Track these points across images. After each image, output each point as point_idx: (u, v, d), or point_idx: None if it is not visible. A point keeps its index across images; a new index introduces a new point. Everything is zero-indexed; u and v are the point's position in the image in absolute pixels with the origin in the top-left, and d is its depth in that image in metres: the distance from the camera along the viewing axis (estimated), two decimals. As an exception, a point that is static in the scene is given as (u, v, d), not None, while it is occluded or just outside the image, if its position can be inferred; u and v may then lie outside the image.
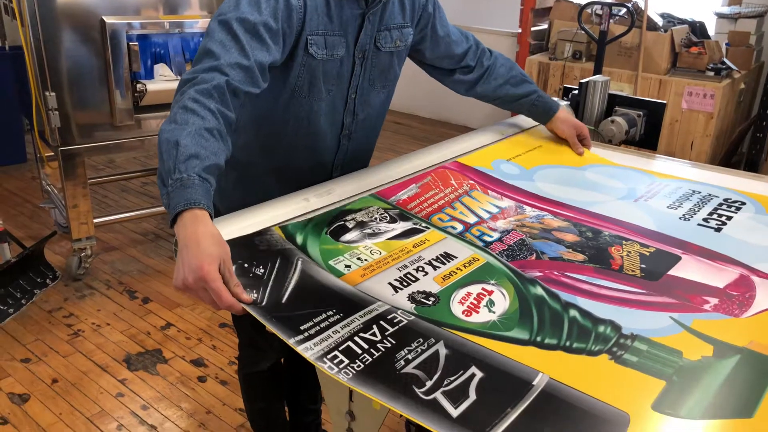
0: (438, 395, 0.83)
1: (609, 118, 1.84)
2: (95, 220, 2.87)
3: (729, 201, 1.45)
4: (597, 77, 1.88)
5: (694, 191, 1.50)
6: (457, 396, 0.84)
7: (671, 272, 1.17)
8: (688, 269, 1.18)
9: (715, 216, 1.38)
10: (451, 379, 0.87)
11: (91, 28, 2.56)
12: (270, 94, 1.30)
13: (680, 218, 1.37)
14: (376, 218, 1.26)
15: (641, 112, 1.86)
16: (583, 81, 1.87)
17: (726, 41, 4.06)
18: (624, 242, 1.26)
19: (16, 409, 2.09)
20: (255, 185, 1.41)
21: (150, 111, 2.77)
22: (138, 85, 2.69)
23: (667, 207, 1.41)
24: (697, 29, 4.08)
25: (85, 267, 2.87)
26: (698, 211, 1.40)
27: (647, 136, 1.89)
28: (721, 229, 1.33)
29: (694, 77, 3.81)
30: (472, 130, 1.81)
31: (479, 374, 0.88)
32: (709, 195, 1.48)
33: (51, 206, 3.10)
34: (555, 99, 1.72)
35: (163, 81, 2.77)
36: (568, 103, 1.89)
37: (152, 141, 2.86)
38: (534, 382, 0.88)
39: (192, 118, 1.03)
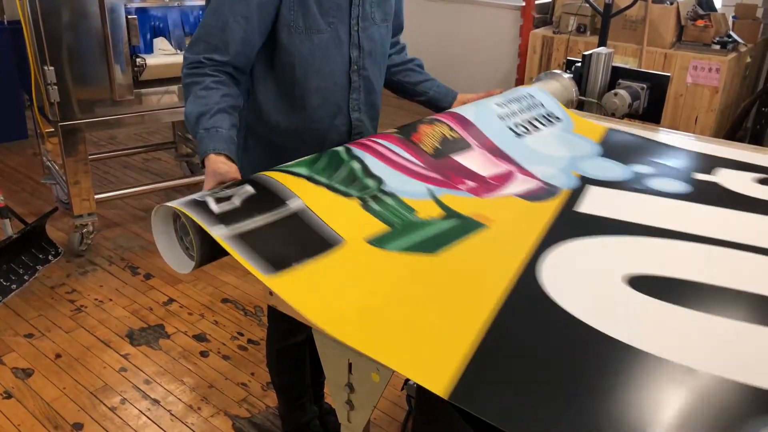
0: (208, 198, 1.06)
1: (612, 91, 1.82)
2: (97, 197, 2.86)
3: (551, 116, 1.62)
4: (600, 49, 1.85)
5: (527, 95, 1.64)
6: (223, 201, 1.05)
7: (454, 156, 1.36)
8: (470, 158, 1.37)
9: (527, 124, 1.55)
10: (226, 191, 1.09)
11: (89, 2, 2.53)
12: (271, 35, 1.34)
13: (498, 116, 1.52)
14: None
15: (645, 85, 1.84)
16: (586, 53, 1.84)
17: (733, 14, 4.00)
18: (437, 123, 1.43)
19: (20, 384, 2.11)
20: (282, 156, 1.41)
21: (150, 86, 2.75)
22: (137, 60, 2.67)
23: (495, 104, 1.55)
24: (704, 2, 4.01)
25: (87, 243, 2.87)
26: (516, 115, 1.55)
27: (651, 109, 1.87)
28: (522, 136, 1.50)
29: (699, 51, 3.76)
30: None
31: (251, 191, 1.09)
32: (538, 104, 1.63)
33: (52, 182, 3.10)
34: None
35: (162, 55, 2.74)
36: (571, 76, 1.87)
37: (153, 116, 2.84)
38: (288, 202, 1.09)
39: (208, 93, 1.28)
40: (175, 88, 2.80)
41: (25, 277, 2.57)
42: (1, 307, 2.47)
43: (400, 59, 1.65)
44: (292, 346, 1.67)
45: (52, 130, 2.76)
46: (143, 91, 2.75)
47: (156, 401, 2.05)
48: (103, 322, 2.43)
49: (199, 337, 2.36)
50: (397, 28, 1.59)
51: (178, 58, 2.75)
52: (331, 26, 1.36)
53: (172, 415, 1.99)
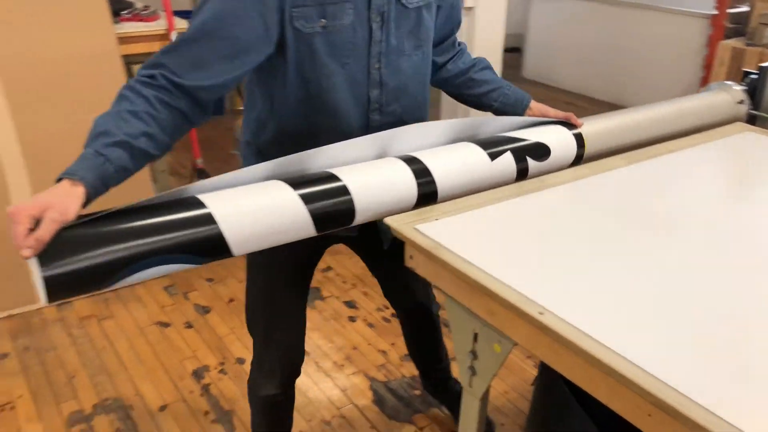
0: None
1: (789, 110, 1.74)
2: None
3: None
4: (782, 65, 1.77)
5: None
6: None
7: None
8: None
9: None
10: None
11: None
12: (277, 72, 1.21)
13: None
14: None
15: (829, 107, 1.74)
16: (763, 65, 1.78)
17: None
18: None
19: (199, 318, 2.47)
20: None
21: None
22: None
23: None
24: None
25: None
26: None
27: (833, 131, 1.76)
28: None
29: None
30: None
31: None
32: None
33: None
34: None
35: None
36: (744, 88, 1.81)
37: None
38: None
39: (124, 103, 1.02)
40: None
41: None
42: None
43: (456, 69, 1.45)
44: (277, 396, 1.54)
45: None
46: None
47: (306, 353, 2.30)
48: (270, 278, 2.76)
49: (349, 304, 2.59)
50: (449, 32, 1.42)
51: None
52: (345, 67, 1.20)
53: (318, 366, 2.23)
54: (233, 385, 2.13)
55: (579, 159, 1.47)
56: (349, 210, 1.12)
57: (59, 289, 0.85)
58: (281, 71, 1.20)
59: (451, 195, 1.26)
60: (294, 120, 1.24)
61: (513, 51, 5.88)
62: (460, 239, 1.09)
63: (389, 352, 2.32)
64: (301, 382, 2.13)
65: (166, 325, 2.43)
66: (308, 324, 2.44)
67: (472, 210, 1.22)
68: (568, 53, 5.54)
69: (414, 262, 1.15)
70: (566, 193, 1.31)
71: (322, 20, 1.14)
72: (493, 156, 1.31)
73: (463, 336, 1.15)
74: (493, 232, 1.15)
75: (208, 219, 0.98)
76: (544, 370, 1.36)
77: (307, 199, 1.07)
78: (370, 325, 2.46)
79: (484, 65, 1.47)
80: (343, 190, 1.11)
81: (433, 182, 1.22)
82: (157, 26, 2.79)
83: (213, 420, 1.99)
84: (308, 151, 1.12)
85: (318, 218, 1.08)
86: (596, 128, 1.51)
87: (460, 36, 1.48)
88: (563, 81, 5.65)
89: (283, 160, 1.10)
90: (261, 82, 1.25)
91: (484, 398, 1.21)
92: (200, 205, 0.99)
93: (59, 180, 0.91)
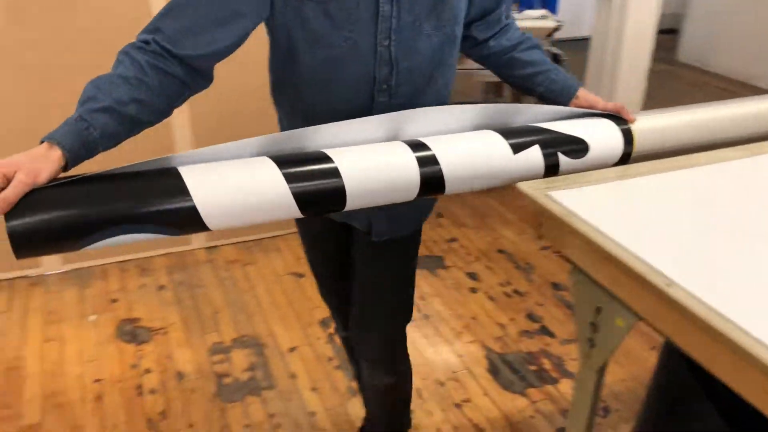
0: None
1: None
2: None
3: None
4: None
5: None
6: None
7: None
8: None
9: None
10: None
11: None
12: (272, 43, 1.16)
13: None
14: None
15: None
16: None
17: None
18: None
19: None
20: None
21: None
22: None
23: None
24: None
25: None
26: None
27: None
28: None
29: None
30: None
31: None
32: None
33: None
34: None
35: (526, 19, 3.01)
36: None
37: (467, 74, 3.15)
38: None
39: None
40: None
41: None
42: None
43: (499, 46, 1.31)
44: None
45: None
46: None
47: (426, 316, 2.39)
48: (398, 243, 2.86)
49: (472, 276, 2.64)
50: (494, 5, 1.27)
51: (538, 23, 3.00)
52: (347, 41, 1.09)
53: (437, 330, 2.31)
54: (356, 338, 2.26)
55: (626, 158, 1.31)
56: (338, 193, 1.04)
57: (24, 245, 0.86)
58: (273, 41, 1.15)
59: (461, 187, 1.16)
60: (291, 95, 1.19)
61: (668, 32, 5.54)
62: (592, 209, 1.10)
63: (508, 326, 2.35)
64: (418, 342, 2.23)
65: (300, 275, 2.62)
66: (429, 289, 2.54)
67: (607, 182, 1.22)
68: (732, 36, 5.13)
69: (544, 230, 1.18)
70: (712, 174, 1.27)
71: None
72: (517, 148, 1.18)
73: (585, 307, 1.16)
74: (629, 205, 1.15)
75: (183, 191, 0.94)
76: (667, 351, 1.34)
77: (290, 178, 1.00)
78: (491, 298, 2.50)
79: (531, 44, 1.32)
80: (333, 172, 1.03)
81: (439, 172, 1.11)
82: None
83: (336, 366, 2.13)
84: (309, 128, 1.05)
85: (302, 199, 1.01)
86: (652, 124, 1.35)
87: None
88: (723, 66, 5.25)
89: (279, 135, 1.04)
90: (270, 60, 1.20)
91: (600, 372, 1.22)
92: (177, 176, 0.95)
93: (42, 143, 0.90)
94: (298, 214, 1.04)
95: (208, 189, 0.96)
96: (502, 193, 3.30)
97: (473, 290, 2.55)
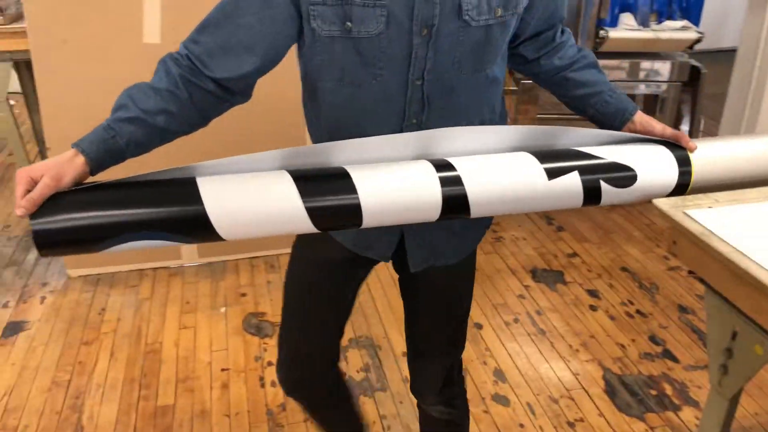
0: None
1: None
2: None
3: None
4: None
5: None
6: None
7: None
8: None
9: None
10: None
11: (570, -23, 2.82)
12: (303, 73, 1.13)
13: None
14: None
15: None
16: None
17: None
18: None
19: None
20: None
21: (606, 57, 2.96)
22: (600, 32, 2.89)
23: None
24: None
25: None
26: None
27: None
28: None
29: None
30: None
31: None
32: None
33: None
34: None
35: (625, 30, 2.91)
36: None
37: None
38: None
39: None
40: (626, 63, 2.95)
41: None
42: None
43: (550, 65, 1.22)
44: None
45: (515, 88, 3.21)
46: (600, 61, 2.97)
47: (542, 331, 2.35)
48: (515, 254, 2.83)
49: (592, 293, 2.56)
50: (547, 28, 1.20)
51: (640, 34, 2.89)
52: (377, 79, 1.04)
53: (553, 346, 2.26)
54: (469, 347, 2.26)
55: (682, 189, 1.19)
56: (354, 211, 1.01)
57: (46, 244, 0.92)
58: (302, 73, 1.13)
59: (489, 211, 1.09)
60: (318, 126, 1.16)
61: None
62: (733, 229, 1.05)
63: (628, 347, 2.26)
64: (533, 357, 2.20)
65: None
66: (546, 304, 2.49)
67: (751, 203, 1.15)
68: None
69: (677, 248, 1.13)
70: None
71: (348, 23, 0.99)
72: (553, 174, 1.08)
73: (719, 331, 1.11)
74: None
75: (196, 199, 0.96)
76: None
77: (305, 193, 0.99)
78: (612, 318, 2.41)
79: (586, 62, 1.22)
80: (350, 188, 1.01)
81: (463, 193, 1.04)
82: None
83: (448, 374, 2.15)
84: (335, 142, 1.02)
85: (316, 215, 1.01)
86: (716, 153, 1.20)
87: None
88: None
89: (303, 149, 1.02)
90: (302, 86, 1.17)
91: (733, 401, 1.16)
92: (193, 185, 0.97)
93: (72, 148, 0.96)
94: (313, 229, 1.03)
95: (221, 198, 0.97)
96: (628, 209, 3.18)
97: (593, 308, 2.47)
